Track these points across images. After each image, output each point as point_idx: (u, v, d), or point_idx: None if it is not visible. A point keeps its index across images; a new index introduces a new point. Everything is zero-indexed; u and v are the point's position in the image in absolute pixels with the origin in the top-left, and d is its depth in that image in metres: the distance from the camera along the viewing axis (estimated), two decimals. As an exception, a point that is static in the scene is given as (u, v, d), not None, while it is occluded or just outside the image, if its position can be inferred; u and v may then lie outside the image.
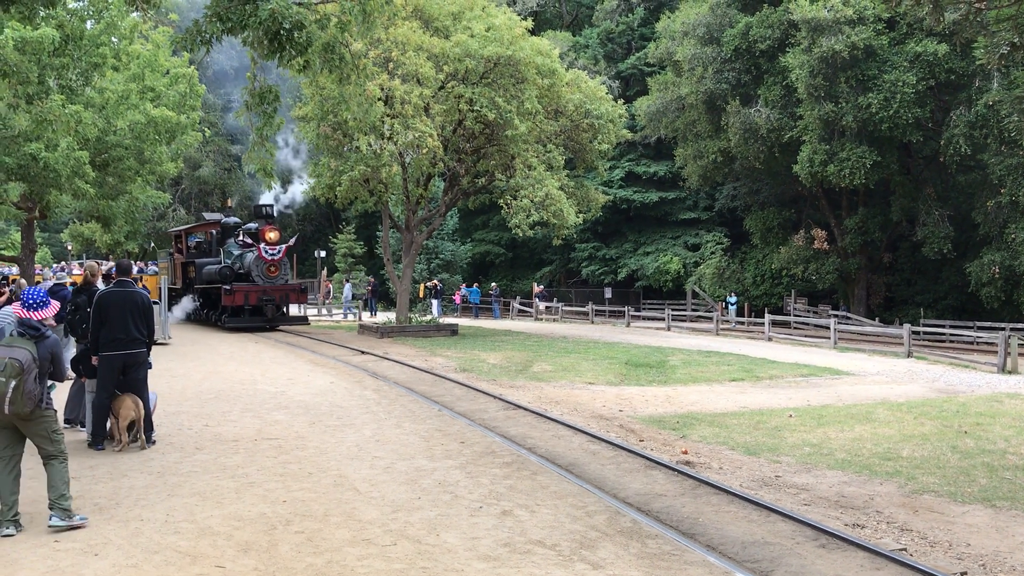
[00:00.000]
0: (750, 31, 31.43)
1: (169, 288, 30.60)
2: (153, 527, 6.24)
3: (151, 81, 22.68)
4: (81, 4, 16.75)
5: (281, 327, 26.29)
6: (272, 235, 25.69)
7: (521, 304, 39.73)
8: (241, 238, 27.13)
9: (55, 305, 6.61)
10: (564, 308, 36.60)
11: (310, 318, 31.40)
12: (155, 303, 18.09)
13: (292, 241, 28.05)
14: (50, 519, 6.19)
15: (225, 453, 8.72)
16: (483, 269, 48.72)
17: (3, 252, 35.58)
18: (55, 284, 15.31)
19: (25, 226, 23.79)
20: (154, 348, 9.72)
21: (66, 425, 9.69)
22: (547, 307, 36.66)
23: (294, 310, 29.94)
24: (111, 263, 28.95)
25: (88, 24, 17.81)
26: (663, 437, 10.24)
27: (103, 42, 18.03)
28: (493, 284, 41.71)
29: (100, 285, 11.66)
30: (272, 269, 25.55)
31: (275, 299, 25.52)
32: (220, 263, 27.03)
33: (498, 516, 6.67)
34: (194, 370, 15.72)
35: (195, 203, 47.76)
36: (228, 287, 24.69)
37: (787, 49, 29.79)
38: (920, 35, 27.28)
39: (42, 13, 11.78)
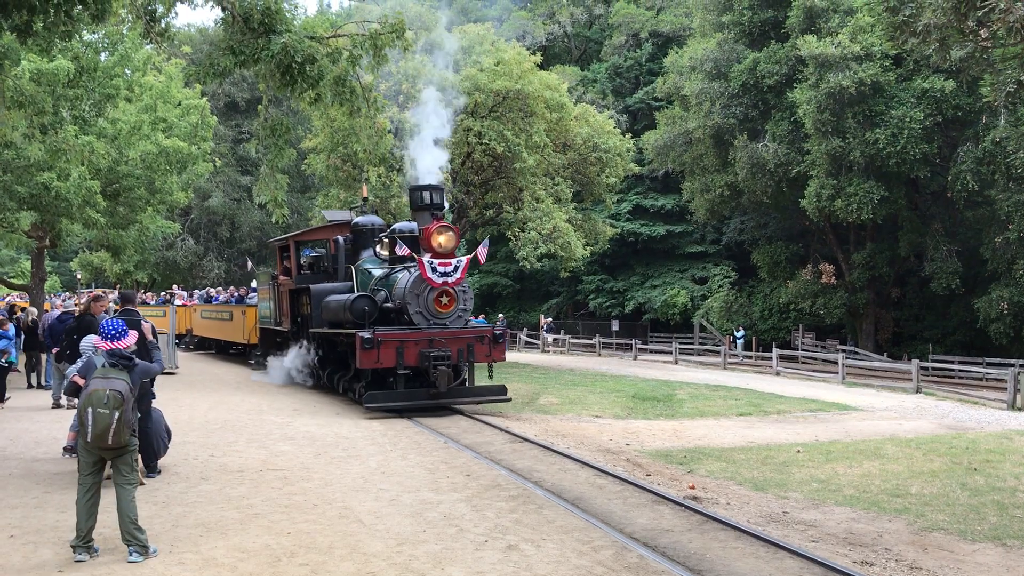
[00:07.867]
0: (757, 67, 31.65)
1: (272, 330, 20.61)
2: (157, 558, 6.22)
3: (163, 112, 22.88)
4: (96, 36, 16.97)
5: (459, 404, 14.53)
6: (444, 239, 14.29)
7: (528, 336, 39.69)
8: (386, 247, 16.22)
9: (134, 334, 6.72)
10: (571, 340, 36.54)
11: None
12: (163, 333, 18.15)
13: (483, 248, 15.55)
14: (130, 554, 6.19)
15: (230, 484, 8.70)
16: (490, 301, 48.72)
17: (13, 280, 35.80)
18: (63, 312, 15.44)
19: (35, 255, 23.90)
20: (159, 377, 9.73)
21: (67, 455, 9.68)
22: (554, 339, 36.61)
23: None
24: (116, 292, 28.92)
25: (102, 56, 18.06)
26: (670, 471, 10.17)
27: (117, 74, 18.27)
28: (500, 316, 41.71)
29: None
30: (445, 300, 14.39)
31: (450, 355, 13.96)
32: (352, 291, 16.22)
33: (503, 550, 6.61)
34: (200, 400, 15.71)
35: (204, 233, 47.98)
36: (367, 335, 13.67)
37: (794, 85, 29.97)
38: (927, 72, 27.43)
39: (59, 45, 11.95)
